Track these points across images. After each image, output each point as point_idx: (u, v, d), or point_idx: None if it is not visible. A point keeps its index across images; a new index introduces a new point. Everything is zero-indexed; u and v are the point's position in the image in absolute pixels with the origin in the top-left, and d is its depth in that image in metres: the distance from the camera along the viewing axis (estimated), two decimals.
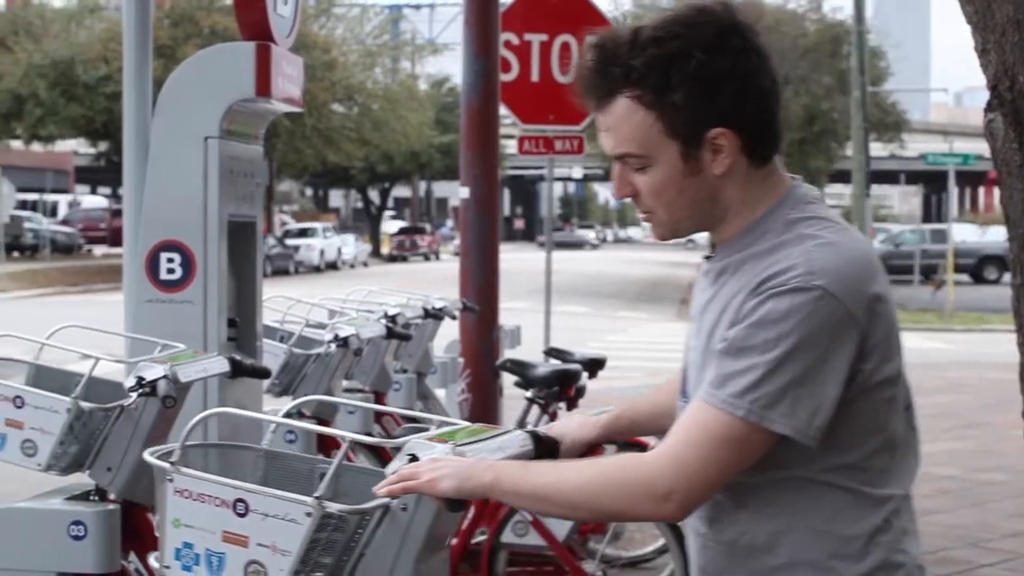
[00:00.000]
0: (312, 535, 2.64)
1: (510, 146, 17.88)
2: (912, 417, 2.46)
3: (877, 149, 46.38)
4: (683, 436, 2.32)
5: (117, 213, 55.01)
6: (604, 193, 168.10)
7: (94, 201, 68.43)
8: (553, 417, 6.89)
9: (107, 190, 78.67)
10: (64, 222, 56.79)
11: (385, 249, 65.22)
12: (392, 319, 6.83)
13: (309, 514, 2.63)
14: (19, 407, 4.07)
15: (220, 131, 5.11)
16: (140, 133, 5.23)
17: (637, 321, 28.47)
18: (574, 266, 48.31)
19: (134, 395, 4.01)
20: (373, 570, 2.75)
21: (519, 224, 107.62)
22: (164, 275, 5.12)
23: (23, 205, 53.99)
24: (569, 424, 2.99)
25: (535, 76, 11.30)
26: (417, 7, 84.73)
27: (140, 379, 4.05)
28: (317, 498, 2.63)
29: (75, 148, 64.36)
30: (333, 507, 2.65)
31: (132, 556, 4.30)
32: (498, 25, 8.84)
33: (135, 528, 4.26)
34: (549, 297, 12.84)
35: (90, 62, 40.25)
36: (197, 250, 5.09)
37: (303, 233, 53.13)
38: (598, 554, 6.18)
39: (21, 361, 4.29)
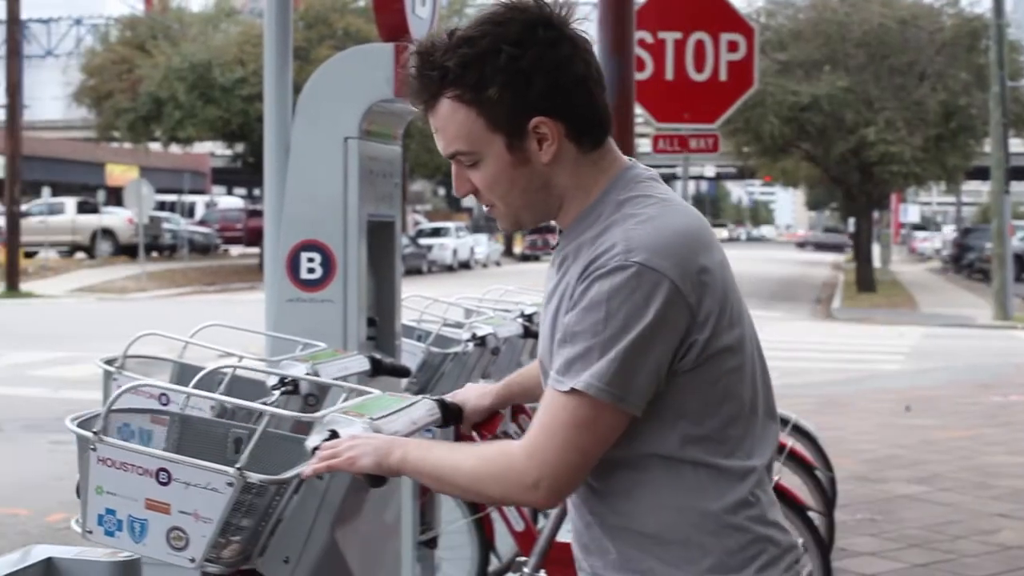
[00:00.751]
0: (235, 501, 2.76)
1: (643, 145, 17.81)
2: (766, 386, 2.56)
3: (1016, 145, 45.44)
4: (539, 426, 2.40)
5: (253, 214, 55.88)
6: (737, 192, 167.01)
7: (230, 202, 69.45)
8: None
9: (243, 191, 79.83)
10: (201, 223, 57.67)
11: (517, 248, 65.33)
12: (529, 318, 6.82)
13: (231, 484, 2.74)
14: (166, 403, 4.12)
15: (360, 132, 5.13)
16: (280, 134, 5.27)
17: (771, 320, 28.19)
18: None
19: (276, 393, 4.04)
20: (291, 535, 2.88)
21: None
22: (304, 274, 5.15)
23: (162, 206, 54.93)
24: (469, 392, 3.23)
25: (669, 74, 11.23)
26: None
27: (283, 378, 4.08)
28: (239, 468, 2.73)
29: (212, 150, 65.32)
30: (254, 477, 2.76)
31: None
32: (633, 24, 8.79)
33: None
34: None
35: (226, 65, 40.78)
36: (337, 250, 5.12)
37: (436, 233, 53.43)
38: None
39: (165, 359, 4.35)
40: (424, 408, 3.04)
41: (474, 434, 3.48)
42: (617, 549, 2.47)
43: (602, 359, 2.33)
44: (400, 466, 2.55)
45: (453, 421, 3.24)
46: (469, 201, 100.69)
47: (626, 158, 2.57)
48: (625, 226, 2.40)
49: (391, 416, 2.84)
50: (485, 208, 2.58)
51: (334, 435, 2.72)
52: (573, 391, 2.35)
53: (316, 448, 2.68)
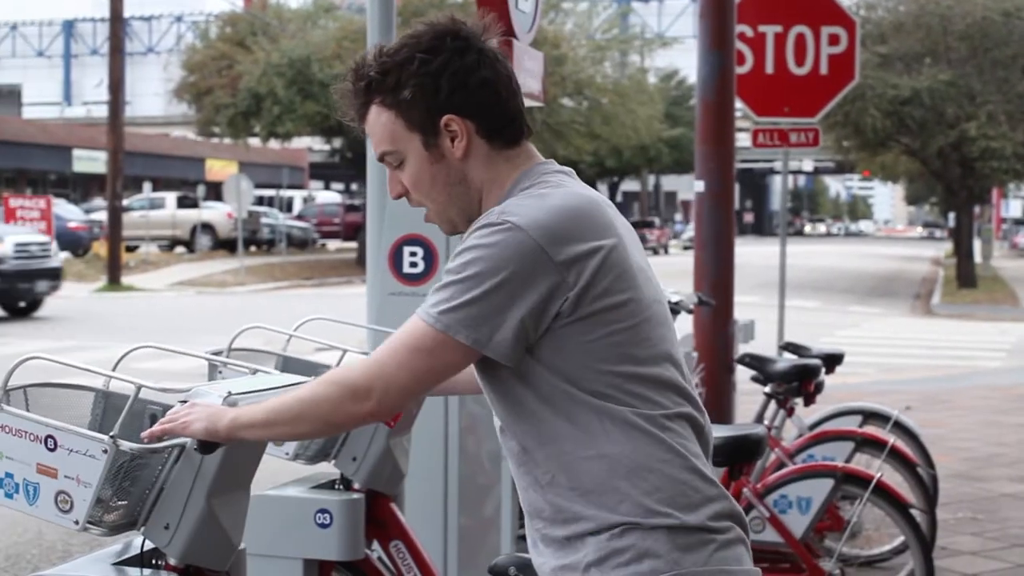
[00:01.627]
0: (113, 469, 2.95)
1: (742, 139, 17.71)
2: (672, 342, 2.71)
3: None
4: (386, 344, 2.63)
5: (350, 208, 56.24)
6: (835, 186, 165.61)
7: (328, 197, 69.86)
8: (790, 413, 6.81)
9: (340, 186, 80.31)
10: (299, 217, 58.09)
11: None
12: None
13: (105, 451, 2.94)
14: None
15: None
16: None
17: (870, 316, 27.96)
18: (804, 260, 47.69)
19: None
20: (170, 503, 3.07)
21: (748, 218, 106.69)
22: (407, 268, 5.19)
23: (260, 201, 55.46)
24: None
25: (769, 68, 11.17)
26: (646, 1, 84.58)
27: None
28: (112, 437, 2.94)
29: (310, 145, 65.79)
30: (126, 445, 2.96)
31: (375, 544, 4.37)
32: (734, 17, 8.76)
33: (378, 517, 4.33)
34: (783, 291, 12.69)
35: (325, 61, 41.03)
36: (439, 244, 5.15)
37: None
38: (835, 552, 6.09)
39: (269, 352, 4.39)
40: None
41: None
42: (549, 502, 2.63)
43: (455, 295, 2.54)
44: (231, 428, 2.80)
45: None
46: None
47: (543, 158, 2.80)
48: (510, 199, 2.65)
49: (256, 394, 3.08)
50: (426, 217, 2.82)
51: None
52: (421, 319, 2.58)
53: None
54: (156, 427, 2.92)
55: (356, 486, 4.27)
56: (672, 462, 2.59)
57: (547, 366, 2.58)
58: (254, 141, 50.33)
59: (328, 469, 4.39)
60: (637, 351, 2.62)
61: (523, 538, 5.96)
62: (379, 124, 2.73)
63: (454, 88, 2.67)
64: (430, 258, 5.16)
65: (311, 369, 4.22)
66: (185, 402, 2.96)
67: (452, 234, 2.80)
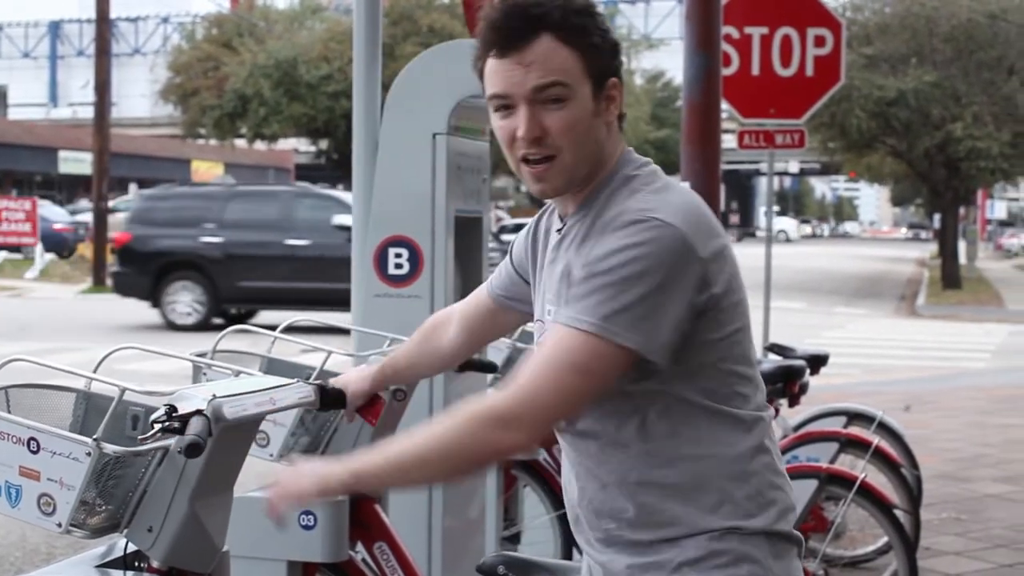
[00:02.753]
0: (96, 471, 2.94)
1: (728, 140, 17.73)
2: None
3: None
4: (532, 364, 2.48)
5: None
6: (821, 187, 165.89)
7: None
8: (775, 414, 6.82)
9: (326, 187, 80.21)
10: None
11: None
12: None
13: (89, 454, 2.93)
14: None
15: (448, 128, 5.16)
16: (369, 131, 5.31)
17: (855, 317, 28.00)
18: (789, 261, 47.76)
19: None
20: (153, 505, 3.06)
21: (734, 219, 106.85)
22: (392, 270, 5.19)
23: None
24: (349, 376, 3.55)
25: (755, 70, 11.20)
26: (633, 2, 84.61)
27: None
28: (95, 440, 2.93)
29: (296, 146, 65.76)
30: (109, 448, 2.95)
31: (359, 546, 4.37)
32: (720, 19, 8.76)
33: (362, 518, 4.32)
34: (768, 293, 12.71)
35: (312, 62, 41.07)
36: (424, 245, 5.15)
37: (518, 229, 53.48)
38: (819, 553, 6.10)
39: (254, 354, 4.39)
40: (295, 391, 3.25)
41: (358, 418, 3.71)
42: (637, 504, 2.55)
43: (610, 298, 2.43)
44: (352, 481, 2.62)
45: (333, 405, 3.48)
46: None
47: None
48: (638, 195, 2.56)
49: (243, 396, 3.05)
50: (530, 168, 2.60)
51: (172, 409, 2.92)
52: (575, 328, 2.44)
53: (156, 420, 2.91)
54: (272, 498, 2.73)
55: None
56: (770, 465, 2.60)
57: (674, 361, 2.51)
58: (240, 142, 50.36)
59: None
60: (749, 351, 2.64)
61: (508, 539, 5.97)
62: (557, 56, 2.54)
63: (617, 54, 2.64)
64: (415, 260, 5.16)
65: (296, 371, 4.22)
66: (172, 408, 2.94)
67: (549, 196, 2.65)
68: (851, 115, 35.33)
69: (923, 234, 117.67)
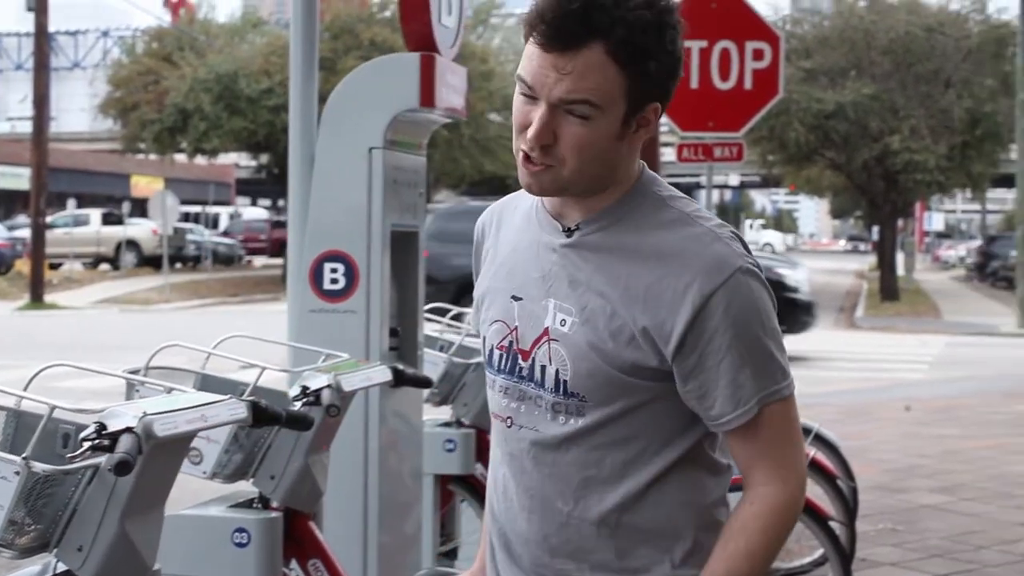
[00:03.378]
0: (25, 490, 2.91)
1: (667, 154, 17.80)
2: None
3: None
4: (778, 441, 2.39)
5: (277, 224, 56.00)
6: (761, 200, 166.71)
7: (255, 213, 69.60)
8: None
9: (267, 202, 79.99)
10: (225, 234, 57.81)
11: None
12: None
13: (17, 473, 2.90)
14: None
15: (384, 142, 5.15)
16: (305, 145, 5.29)
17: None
18: None
19: (298, 404, 4.06)
20: (83, 524, 3.03)
21: None
22: (328, 285, 5.17)
23: (186, 217, 55.08)
24: None
25: (694, 83, 11.22)
26: None
27: (305, 388, 4.10)
28: (24, 458, 2.90)
29: (236, 161, 65.45)
30: (39, 467, 2.92)
31: (293, 563, 4.35)
32: None
33: (296, 535, 4.30)
34: None
35: (252, 76, 40.85)
36: (360, 260, 5.14)
37: None
38: None
39: (187, 371, 4.36)
40: (227, 408, 3.25)
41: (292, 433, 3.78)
42: (612, 547, 2.42)
43: (783, 356, 2.39)
44: None
45: (267, 422, 3.51)
46: None
47: None
48: (717, 233, 2.37)
49: (174, 413, 3.05)
50: (530, 162, 2.36)
51: (102, 427, 2.90)
52: (784, 399, 2.38)
53: (85, 438, 2.89)
54: None
55: (274, 504, 4.24)
56: (726, 515, 2.47)
57: (684, 406, 2.42)
58: (180, 157, 50.04)
59: (247, 488, 4.36)
60: None
61: (445, 555, 5.95)
62: (601, 73, 2.27)
63: (675, 75, 2.36)
64: (351, 274, 5.15)
65: (230, 388, 4.20)
66: (101, 425, 2.91)
67: (534, 194, 2.43)
68: (790, 128, 35.60)
69: (862, 246, 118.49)
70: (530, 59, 2.31)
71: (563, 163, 2.33)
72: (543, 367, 2.42)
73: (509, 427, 2.49)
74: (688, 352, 2.33)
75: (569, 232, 2.44)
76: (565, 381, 2.39)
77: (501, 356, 2.50)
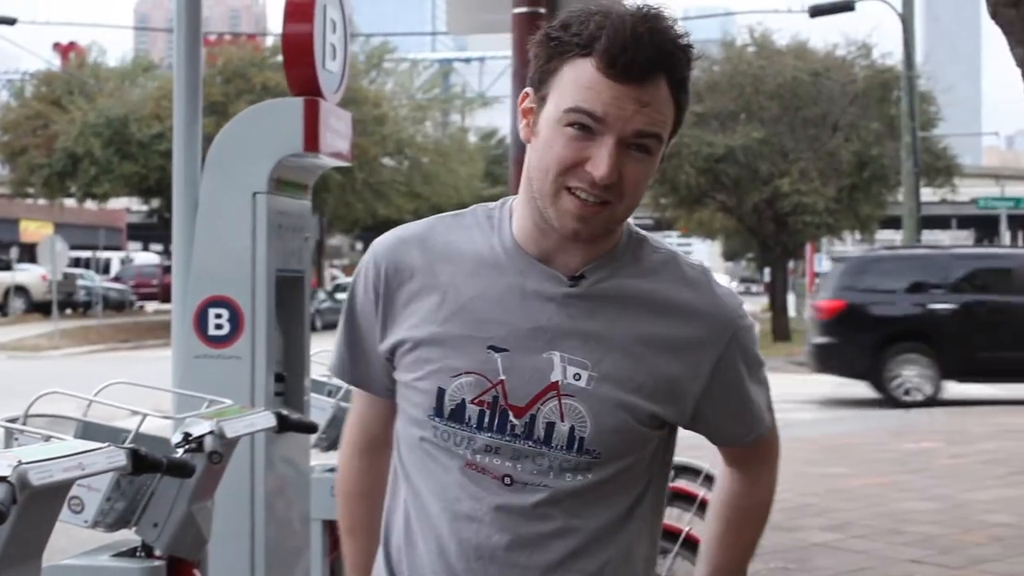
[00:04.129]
0: None
1: None
2: None
3: (928, 194, 45.95)
4: (768, 457, 2.66)
5: (168, 270, 55.30)
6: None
7: (146, 258, 68.93)
8: None
9: (159, 247, 79.20)
10: (116, 279, 57.22)
11: None
12: None
13: None
14: None
15: (269, 186, 5.14)
16: (189, 189, 5.27)
17: None
18: None
19: (180, 451, 4.02)
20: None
21: None
22: (212, 331, 5.14)
23: (76, 262, 54.50)
24: None
25: None
26: (467, 61, 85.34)
27: (187, 435, 4.07)
28: None
29: (128, 205, 64.87)
30: None
31: None
32: None
33: None
34: None
35: (143, 120, 40.57)
36: (245, 305, 5.11)
37: None
38: None
39: (69, 418, 4.31)
40: (106, 456, 3.21)
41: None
42: None
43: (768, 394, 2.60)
44: None
45: (148, 469, 3.52)
46: None
47: None
48: (710, 277, 2.47)
49: (50, 461, 3.00)
50: (583, 202, 2.24)
51: None
52: (774, 429, 2.63)
53: None
54: None
55: (158, 553, 4.19)
56: None
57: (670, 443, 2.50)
58: (70, 202, 49.49)
59: (132, 536, 4.31)
60: None
61: None
62: (668, 107, 2.26)
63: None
64: (235, 320, 5.12)
65: (112, 435, 4.15)
66: None
67: (582, 238, 2.29)
68: (681, 171, 35.94)
69: (754, 288, 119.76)
70: (595, 91, 2.20)
71: (620, 200, 2.26)
72: (550, 424, 2.30)
73: (509, 485, 2.32)
74: (709, 396, 2.43)
75: (574, 281, 2.33)
76: (582, 439, 2.30)
77: (481, 413, 2.32)
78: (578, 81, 2.21)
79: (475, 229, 2.40)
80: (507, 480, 2.31)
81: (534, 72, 2.30)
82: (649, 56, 2.20)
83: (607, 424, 2.30)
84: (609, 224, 2.29)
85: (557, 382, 2.30)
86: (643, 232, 2.42)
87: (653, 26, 2.22)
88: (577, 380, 2.30)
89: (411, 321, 2.38)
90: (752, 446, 2.58)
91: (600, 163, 2.20)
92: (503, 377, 2.31)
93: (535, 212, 2.32)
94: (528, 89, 2.32)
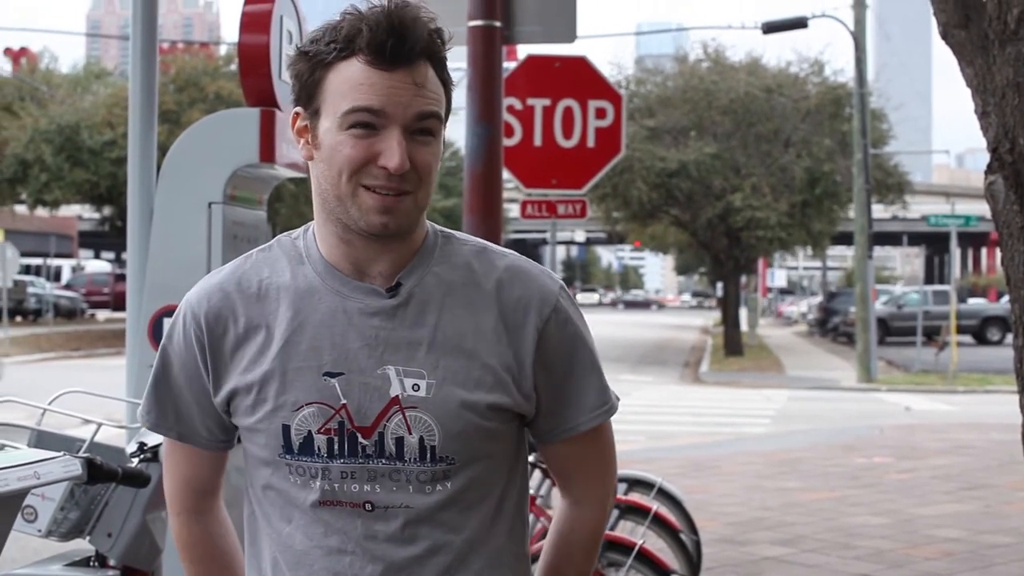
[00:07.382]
0: None
1: (513, 210, 17.91)
2: None
3: (879, 211, 46.39)
4: (602, 458, 2.47)
5: (120, 278, 55.26)
6: (607, 256, 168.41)
7: (97, 266, 68.61)
8: (555, 483, 6.86)
9: (111, 255, 78.84)
10: (67, 287, 56.88)
11: None
12: None
13: None
14: None
15: (224, 196, 5.12)
16: (144, 198, 5.24)
17: (641, 384, 28.40)
18: None
19: (135, 460, 4.00)
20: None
21: None
22: None
23: (27, 270, 54.08)
24: None
25: (538, 141, 11.32)
26: None
27: (142, 444, 4.05)
28: None
29: (79, 213, 64.50)
30: None
31: None
32: (501, 90, 8.86)
33: None
34: None
35: (95, 127, 40.38)
36: None
37: None
38: None
39: (22, 427, 4.28)
40: (60, 465, 3.16)
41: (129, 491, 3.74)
42: None
43: (604, 376, 2.43)
44: None
45: (103, 479, 3.46)
46: None
47: None
48: (523, 260, 2.41)
49: (4, 470, 2.98)
50: (381, 194, 2.23)
51: None
52: (608, 415, 2.43)
53: None
54: None
55: (112, 563, 4.17)
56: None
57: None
58: (20, 208, 49.16)
59: (84, 546, 4.28)
60: None
61: None
62: (436, 85, 2.27)
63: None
64: None
65: (66, 444, 4.12)
66: None
67: (391, 231, 2.26)
68: (633, 186, 36.06)
69: (706, 302, 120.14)
70: (368, 85, 2.22)
71: (417, 188, 2.26)
72: (399, 439, 2.28)
73: (371, 511, 2.29)
74: (540, 373, 2.34)
75: (392, 291, 2.32)
76: (433, 447, 2.28)
77: (330, 441, 2.29)
78: (349, 82, 2.22)
79: (283, 260, 2.38)
80: (368, 507, 2.29)
81: (299, 91, 2.29)
82: (415, 37, 2.21)
83: (454, 428, 2.28)
84: (413, 213, 2.28)
85: (398, 396, 2.28)
86: (448, 230, 2.42)
87: (408, 13, 2.23)
88: (416, 391, 2.29)
89: (242, 366, 2.35)
90: (580, 440, 2.43)
91: (391, 154, 2.21)
92: (344, 401, 2.28)
93: (337, 226, 2.30)
94: (297, 109, 2.31)
